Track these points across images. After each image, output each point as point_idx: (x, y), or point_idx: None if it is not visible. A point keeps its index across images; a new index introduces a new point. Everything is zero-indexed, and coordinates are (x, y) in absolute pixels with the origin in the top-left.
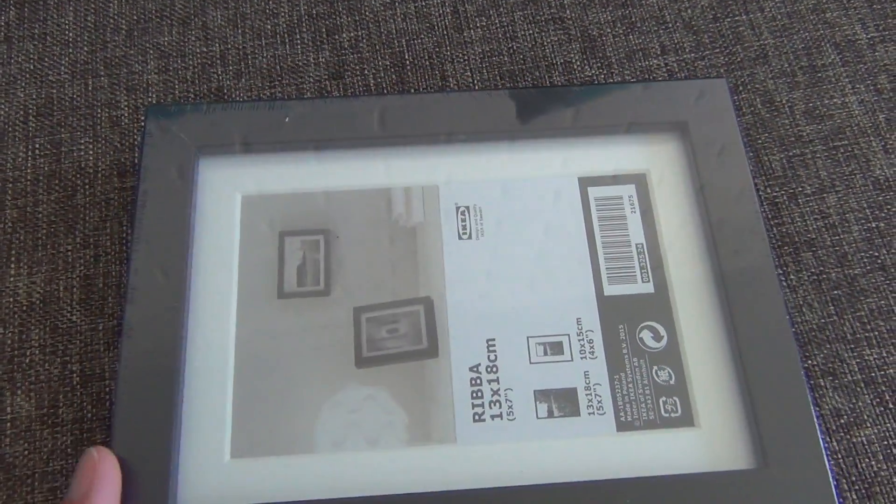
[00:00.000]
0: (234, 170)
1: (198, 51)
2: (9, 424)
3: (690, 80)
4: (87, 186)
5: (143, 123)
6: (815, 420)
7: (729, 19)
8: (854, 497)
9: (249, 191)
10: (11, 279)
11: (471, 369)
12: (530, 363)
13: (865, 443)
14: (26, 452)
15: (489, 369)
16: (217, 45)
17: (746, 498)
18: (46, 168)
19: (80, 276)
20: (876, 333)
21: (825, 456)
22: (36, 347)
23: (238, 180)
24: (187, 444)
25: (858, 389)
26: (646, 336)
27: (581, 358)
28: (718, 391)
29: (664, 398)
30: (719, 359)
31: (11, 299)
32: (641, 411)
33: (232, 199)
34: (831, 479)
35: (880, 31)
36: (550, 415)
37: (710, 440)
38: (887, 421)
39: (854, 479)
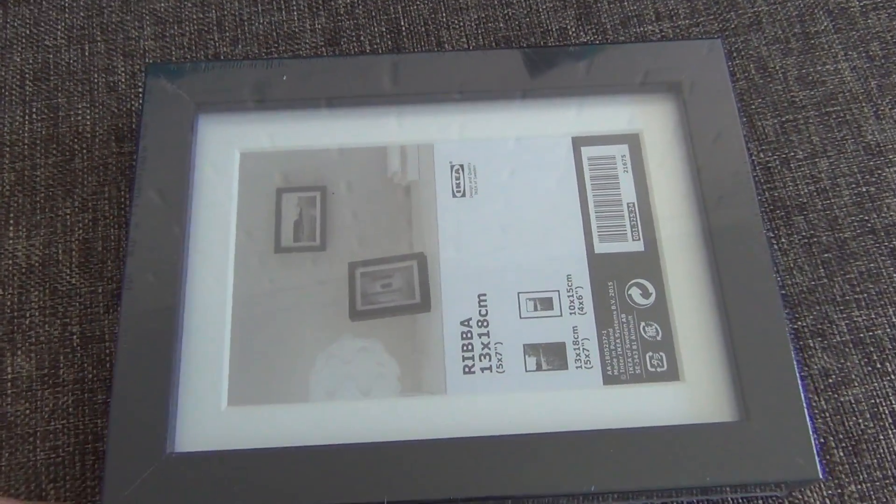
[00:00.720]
0: (233, 127)
1: (194, 17)
2: (9, 384)
3: (685, 41)
4: (84, 151)
5: (142, 83)
6: (797, 374)
7: None
8: (841, 454)
9: (248, 148)
10: (10, 242)
11: (462, 323)
12: (520, 318)
13: (853, 402)
14: (27, 411)
15: (480, 323)
16: (213, 11)
17: (728, 449)
18: (44, 132)
19: (79, 240)
20: (865, 295)
21: (806, 409)
22: (36, 309)
23: (237, 137)
24: (186, 392)
25: (847, 350)
26: (634, 293)
27: (570, 313)
28: (704, 347)
29: (650, 353)
30: (706, 315)
31: (10, 261)
32: (628, 365)
33: (230, 156)
34: (811, 431)
35: None
36: (539, 368)
37: (694, 394)
38: (874, 380)
39: (841, 436)
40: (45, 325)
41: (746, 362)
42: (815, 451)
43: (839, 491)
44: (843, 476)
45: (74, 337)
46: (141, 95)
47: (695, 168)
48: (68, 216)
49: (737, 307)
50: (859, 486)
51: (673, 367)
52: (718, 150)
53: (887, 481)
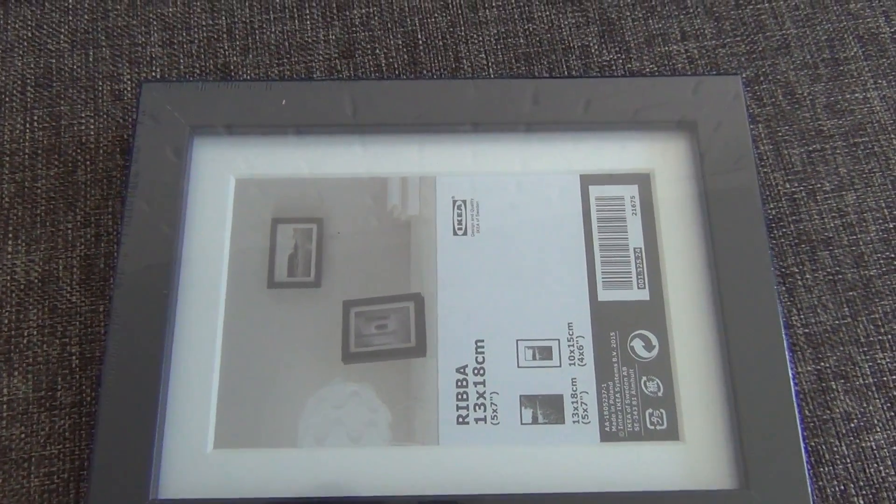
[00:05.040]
0: (229, 151)
1: (203, 23)
2: (5, 406)
3: (703, 77)
4: (88, 162)
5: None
6: (802, 444)
7: (751, 7)
8: (861, 502)
9: (244, 174)
10: (9, 257)
11: (457, 370)
12: (518, 367)
13: (874, 448)
14: (23, 436)
15: (476, 371)
16: (224, 17)
17: None
18: (45, 142)
19: (81, 256)
20: (889, 337)
21: (808, 482)
22: (34, 328)
23: (233, 162)
24: (171, 433)
25: (870, 393)
26: (637, 345)
27: (570, 364)
28: (706, 406)
29: (651, 410)
30: (710, 373)
31: (9, 277)
32: (627, 422)
33: (225, 182)
34: None
35: None
36: (535, 421)
37: (693, 456)
38: None
39: (861, 483)
40: (43, 344)
41: (749, 425)
42: None
43: None
44: None
45: (74, 358)
46: (135, 114)
47: (706, 213)
48: (70, 231)
49: (742, 366)
50: None
51: (673, 426)
52: (732, 196)
53: None
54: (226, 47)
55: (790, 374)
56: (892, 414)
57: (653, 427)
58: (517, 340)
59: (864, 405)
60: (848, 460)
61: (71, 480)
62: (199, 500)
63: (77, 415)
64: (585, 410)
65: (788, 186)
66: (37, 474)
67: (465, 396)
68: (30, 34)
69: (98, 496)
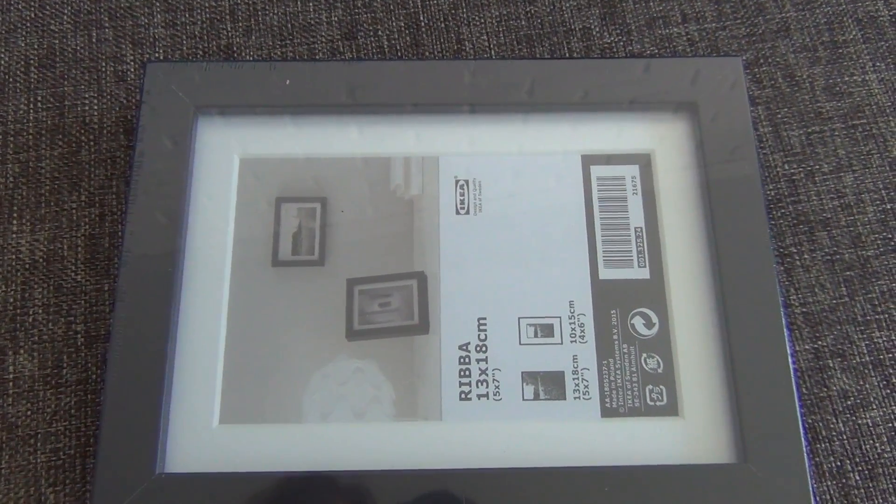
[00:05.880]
0: (233, 131)
1: (206, 4)
2: (11, 384)
3: (704, 58)
4: (91, 143)
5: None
6: (800, 420)
7: None
8: (857, 478)
9: (248, 153)
10: (13, 236)
11: (460, 347)
12: (520, 344)
13: (871, 425)
14: (29, 412)
15: (478, 348)
16: None
17: (724, 492)
18: (49, 122)
19: (85, 235)
20: (886, 316)
21: (806, 457)
22: (39, 307)
23: (237, 142)
24: (177, 409)
25: (866, 371)
26: (637, 322)
27: (571, 341)
28: (705, 383)
29: (651, 386)
30: (709, 350)
31: (14, 256)
32: (627, 398)
33: (230, 162)
34: (810, 480)
35: None
36: (536, 397)
37: (692, 431)
38: (893, 404)
39: (858, 460)
40: (48, 323)
41: (748, 402)
42: (812, 500)
43: None
44: (859, 501)
45: (79, 336)
46: (139, 93)
47: (706, 193)
48: (74, 210)
49: (741, 343)
50: None
51: (672, 402)
52: (732, 177)
53: None
54: (228, 28)
55: (788, 352)
56: (888, 391)
57: (653, 403)
58: (519, 318)
59: (861, 383)
60: (844, 437)
61: (77, 456)
62: (204, 475)
63: (82, 392)
64: (586, 387)
65: (787, 168)
66: (43, 450)
67: (467, 373)
68: (32, 15)
69: (105, 470)
